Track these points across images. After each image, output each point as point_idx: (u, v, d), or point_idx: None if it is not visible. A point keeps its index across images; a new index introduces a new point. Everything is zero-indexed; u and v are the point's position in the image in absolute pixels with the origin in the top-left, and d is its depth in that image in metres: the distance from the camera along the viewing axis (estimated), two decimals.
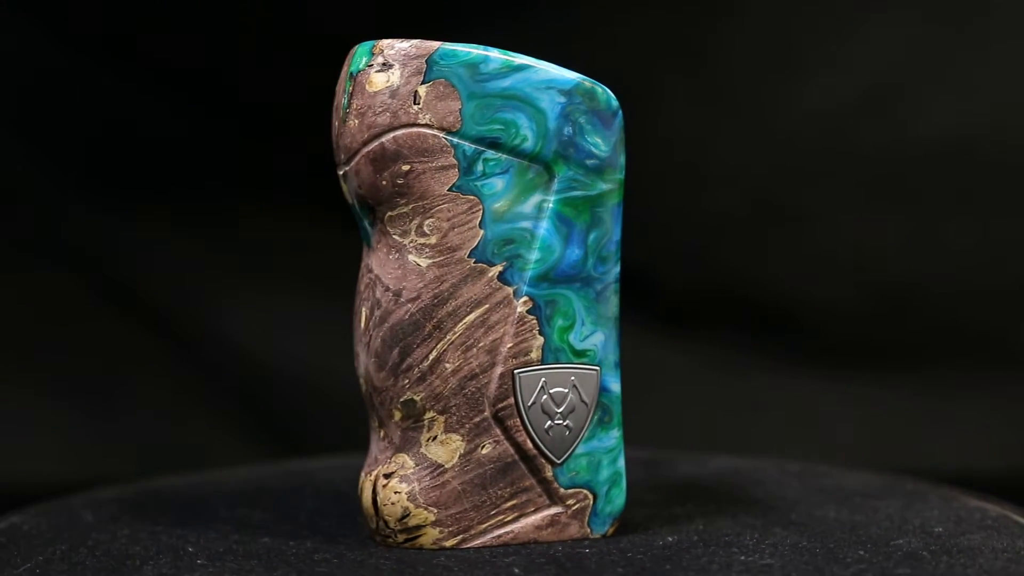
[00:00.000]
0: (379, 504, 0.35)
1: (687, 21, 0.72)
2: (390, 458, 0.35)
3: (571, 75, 0.35)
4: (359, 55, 0.34)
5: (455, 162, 0.34)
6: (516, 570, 0.33)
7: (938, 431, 0.71)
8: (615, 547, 0.36)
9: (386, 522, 0.35)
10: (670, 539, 0.36)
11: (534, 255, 0.35)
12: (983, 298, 0.71)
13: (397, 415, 0.35)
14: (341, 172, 0.35)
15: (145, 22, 0.71)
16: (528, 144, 0.35)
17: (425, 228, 0.34)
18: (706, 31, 0.72)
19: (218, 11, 0.71)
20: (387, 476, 0.35)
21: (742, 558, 0.34)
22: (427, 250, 0.34)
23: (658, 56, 0.72)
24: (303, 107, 0.73)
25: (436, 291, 0.34)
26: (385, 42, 0.34)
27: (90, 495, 0.45)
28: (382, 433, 0.36)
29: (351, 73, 0.34)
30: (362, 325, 0.35)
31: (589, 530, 0.37)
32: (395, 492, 0.35)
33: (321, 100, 0.72)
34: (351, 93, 0.34)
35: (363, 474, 0.36)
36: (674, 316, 0.73)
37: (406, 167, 0.34)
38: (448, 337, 0.34)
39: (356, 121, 0.34)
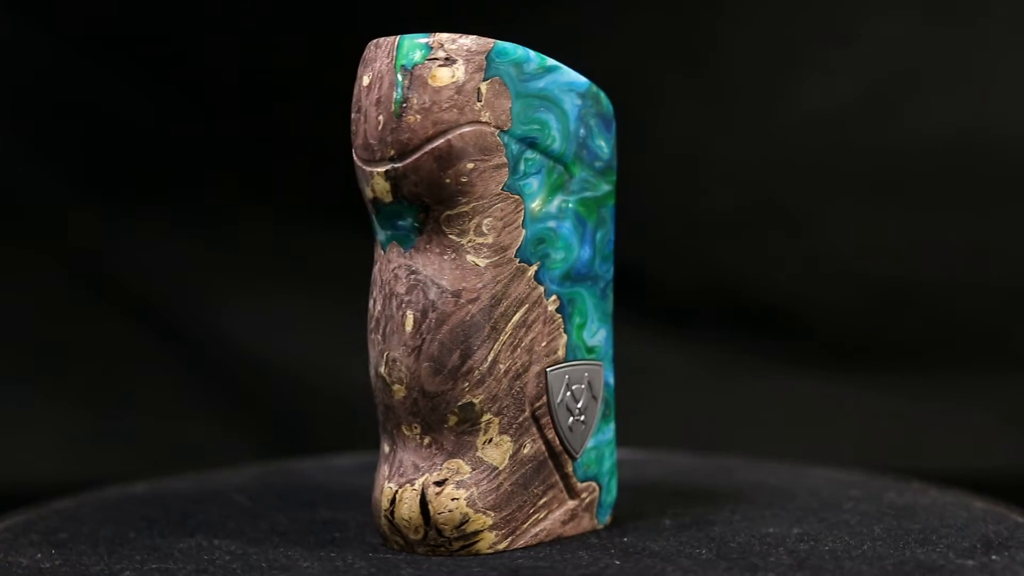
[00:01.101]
0: (432, 513, 0.34)
1: (686, 21, 0.72)
2: (441, 464, 0.35)
3: (583, 78, 0.35)
4: (409, 48, 0.33)
5: (506, 161, 0.34)
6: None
7: (938, 431, 0.71)
8: (614, 547, 0.36)
9: (440, 531, 0.35)
10: (670, 539, 0.37)
11: (560, 254, 0.35)
12: (983, 298, 0.71)
13: (452, 420, 0.34)
14: (385, 169, 0.34)
15: (145, 22, 0.71)
16: (556, 145, 0.35)
17: (483, 227, 0.34)
18: (705, 31, 0.72)
19: (218, 11, 0.71)
20: (439, 483, 0.34)
21: (741, 558, 0.34)
22: (484, 250, 0.34)
23: (658, 56, 0.72)
24: (303, 107, 0.73)
25: (493, 292, 0.34)
26: (443, 36, 0.34)
27: (90, 495, 0.45)
28: (427, 440, 0.35)
29: (403, 66, 0.33)
30: (409, 329, 0.34)
31: (596, 521, 0.37)
32: (452, 499, 0.34)
33: (321, 100, 0.72)
34: (407, 87, 0.33)
35: (390, 484, 0.35)
36: (673, 316, 0.73)
37: (470, 165, 0.33)
38: (501, 337, 0.34)
39: (418, 116, 0.33)
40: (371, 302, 0.36)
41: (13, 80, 0.71)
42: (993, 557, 0.34)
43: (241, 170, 0.73)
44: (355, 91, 0.34)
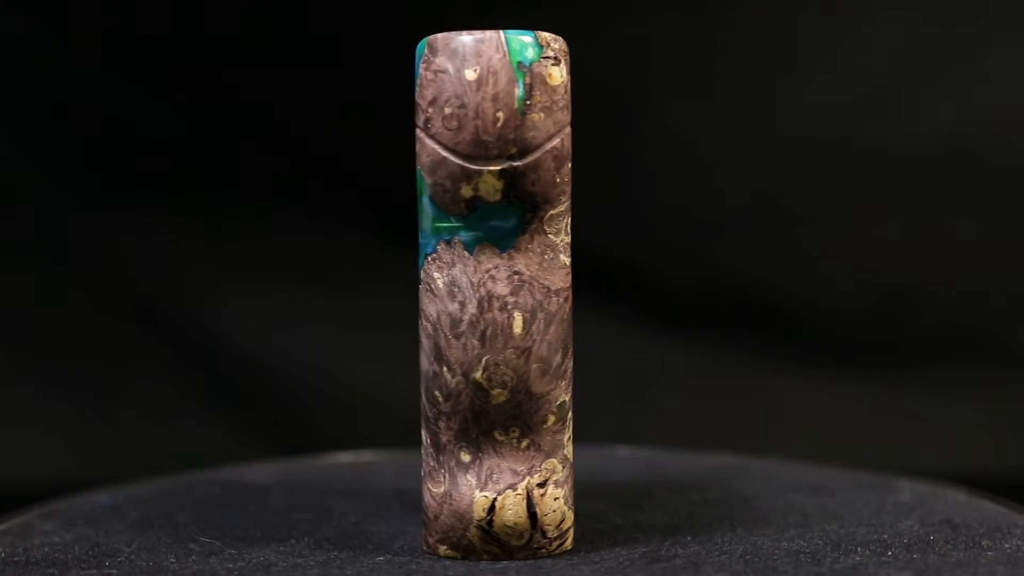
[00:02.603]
0: (539, 515, 0.35)
1: (687, 21, 0.72)
2: (540, 465, 0.35)
3: None
4: (521, 45, 0.33)
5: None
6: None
7: (938, 431, 0.71)
8: (615, 547, 0.36)
9: (544, 532, 0.35)
10: (670, 539, 0.37)
11: None
12: (983, 298, 0.71)
13: (551, 419, 0.35)
14: (501, 167, 0.33)
15: (145, 22, 0.71)
16: None
17: (568, 227, 0.35)
18: (706, 31, 0.72)
19: (218, 11, 0.71)
20: (541, 485, 0.35)
21: (741, 558, 0.34)
22: (567, 249, 0.35)
23: (658, 56, 0.72)
24: (303, 107, 0.73)
25: (571, 289, 0.35)
26: (545, 34, 0.34)
27: (90, 495, 0.45)
28: (524, 443, 0.34)
29: (519, 63, 0.33)
30: (518, 331, 0.34)
31: None
32: (555, 499, 0.35)
33: (321, 100, 0.72)
34: (529, 84, 0.33)
35: (484, 493, 0.34)
36: (674, 316, 0.73)
37: (569, 165, 0.34)
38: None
39: (542, 115, 0.33)
40: (454, 306, 0.34)
41: (13, 80, 0.71)
42: (992, 556, 0.34)
43: (241, 170, 0.73)
44: (445, 86, 0.33)
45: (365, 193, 0.72)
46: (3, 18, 0.70)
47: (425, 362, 0.34)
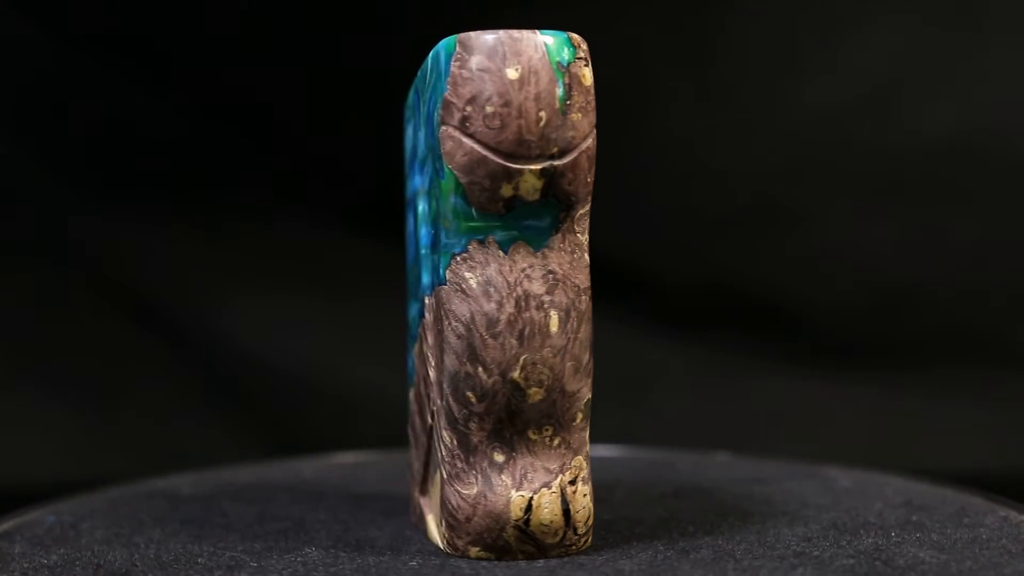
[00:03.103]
0: (572, 512, 0.35)
1: (687, 21, 0.72)
2: (570, 463, 0.35)
3: None
4: (559, 45, 0.33)
5: None
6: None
7: (938, 431, 0.71)
8: (615, 548, 0.36)
9: (575, 529, 0.35)
10: (669, 539, 0.37)
11: None
12: (983, 298, 0.71)
13: (579, 416, 0.35)
14: (543, 166, 0.33)
15: (145, 22, 0.71)
16: None
17: (587, 227, 0.35)
18: (707, 32, 0.72)
19: (218, 11, 0.71)
20: (572, 482, 0.35)
21: (742, 558, 0.34)
22: (587, 247, 0.35)
23: (659, 56, 0.72)
24: (303, 107, 0.73)
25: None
26: (575, 35, 0.34)
27: (90, 495, 0.45)
28: (556, 441, 0.35)
29: (559, 63, 0.33)
30: (555, 330, 0.34)
31: None
32: (583, 495, 0.35)
33: (321, 100, 0.73)
34: (568, 85, 0.33)
35: (521, 492, 0.34)
36: (674, 316, 0.73)
37: (594, 165, 0.35)
38: None
39: (581, 115, 0.33)
40: (490, 306, 0.34)
41: (14, 80, 0.71)
42: (993, 556, 0.34)
43: (241, 170, 0.73)
44: (486, 85, 0.33)
45: (365, 193, 0.72)
46: (3, 18, 0.70)
47: (454, 363, 0.34)
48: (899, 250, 0.72)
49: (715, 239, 0.73)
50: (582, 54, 0.34)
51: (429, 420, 0.36)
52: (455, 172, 0.33)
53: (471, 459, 0.34)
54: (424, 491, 0.38)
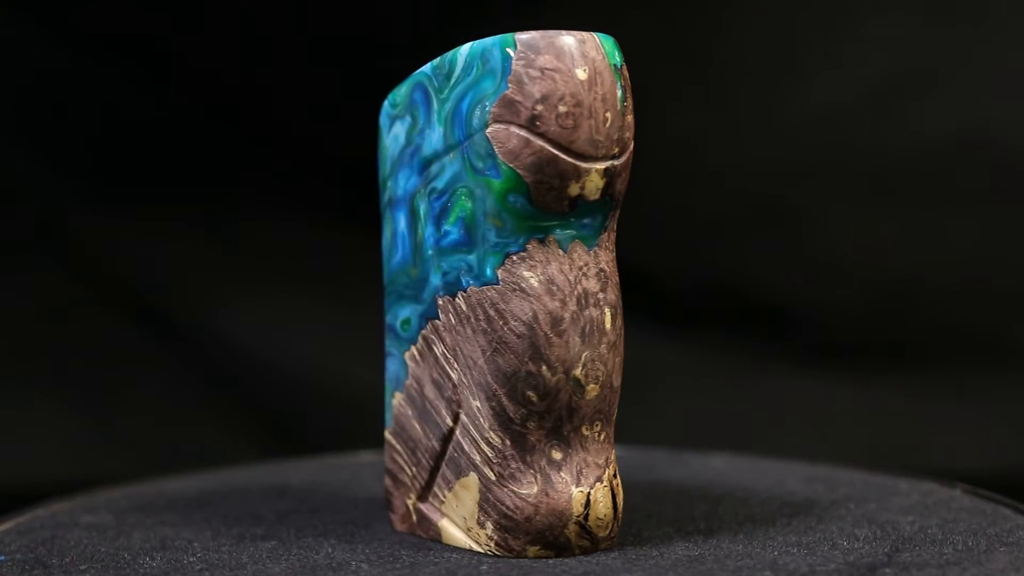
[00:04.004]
0: (618, 505, 0.35)
1: (687, 21, 0.72)
2: (611, 457, 0.35)
3: None
4: (611, 48, 0.34)
5: None
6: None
7: (938, 431, 0.71)
8: (617, 548, 0.36)
9: (618, 520, 0.36)
10: (669, 539, 0.37)
11: None
12: (983, 298, 0.71)
13: (615, 411, 0.36)
14: (606, 166, 0.34)
15: (145, 22, 0.71)
16: None
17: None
18: (707, 31, 0.72)
19: (218, 11, 0.71)
20: (614, 476, 0.35)
21: (743, 558, 0.34)
22: None
23: (658, 56, 0.72)
24: (303, 107, 0.73)
25: None
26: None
27: (90, 495, 0.45)
28: (602, 436, 0.35)
29: (615, 65, 0.34)
30: (608, 326, 0.34)
31: None
32: (621, 488, 0.36)
33: (320, 100, 0.72)
34: (624, 87, 0.34)
35: (580, 488, 0.35)
36: (674, 316, 0.73)
37: None
38: None
39: (630, 116, 0.34)
40: (554, 304, 0.34)
41: (13, 80, 0.71)
42: (993, 556, 0.34)
43: (241, 170, 0.73)
44: (557, 84, 0.33)
45: (365, 193, 0.72)
46: (3, 18, 0.70)
47: (512, 363, 0.34)
48: (899, 250, 0.72)
49: (715, 239, 0.73)
50: (623, 58, 0.34)
51: (449, 423, 0.35)
52: (519, 171, 0.33)
53: (528, 458, 0.34)
54: (424, 498, 0.37)
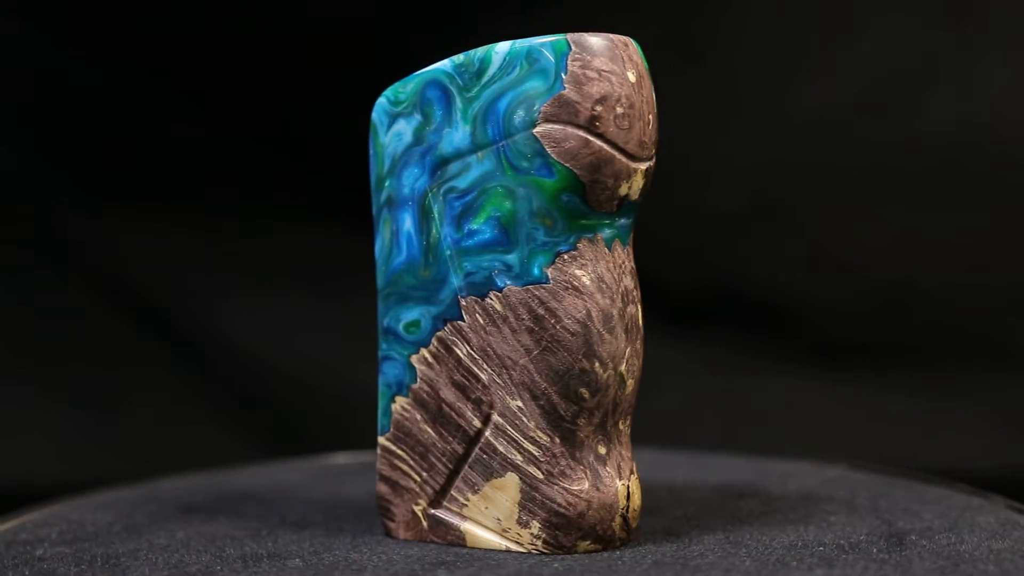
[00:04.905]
0: (641, 496, 0.36)
1: (687, 20, 0.72)
2: (632, 452, 0.36)
3: None
4: (641, 53, 0.35)
5: None
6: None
7: (938, 431, 0.71)
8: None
9: (640, 511, 0.36)
10: (670, 539, 0.37)
11: None
12: (983, 298, 0.71)
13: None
14: (646, 167, 0.35)
15: (145, 22, 0.71)
16: None
17: None
18: (706, 31, 0.72)
19: (218, 11, 0.71)
20: (636, 469, 0.36)
21: (744, 559, 0.34)
22: None
23: (658, 55, 0.72)
24: (303, 107, 0.73)
25: None
26: None
27: (90, 495, 0.45)
28: (629, 431, 0.36)
29: (648, 69, 0.35)
30: (640, 324, 0.36)
31: None
32: (639, 480, 0.37)
33: (321, 100, 0.72)
34: (654, 90, 0.35)
35: (622, 482, 0.35)
36: (674, 315, 0.73)
37: None
38: None
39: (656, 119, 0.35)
40: (605, 301, 0.34)
41: (13, 80, 0.71)
42: (993, 556, 0.34)
43: (241, 170, 0.73)
44: (614, 86, 0.33)
45: (365, 193, 0.72)
46: (3, 19, 0.70)
47: (565, 361, 0.34)
48: (899, 250, 0.72)
49: (715, 239, 0.73)
50: None
51: (476, 425, 0.35)
52: (576, 171, 0.33)
53: (577, 455, 0.35)
54: (438, 503, 0.36)
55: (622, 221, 0.35)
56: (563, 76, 0.33)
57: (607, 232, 0.34)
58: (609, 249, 0.34)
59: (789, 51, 0.72)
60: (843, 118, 0.72)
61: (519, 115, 0.33)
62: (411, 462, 0.37)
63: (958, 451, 0.70)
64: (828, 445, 0.70)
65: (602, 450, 0.35)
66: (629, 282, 0.35)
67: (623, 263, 0.35)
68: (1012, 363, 0.72)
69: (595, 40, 0.33)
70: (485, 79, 0.34)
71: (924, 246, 0.72)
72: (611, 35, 0.34)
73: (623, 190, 0.34)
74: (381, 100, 0.37)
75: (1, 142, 0.71)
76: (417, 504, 0.37)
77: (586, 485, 0.34)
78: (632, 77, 0.34)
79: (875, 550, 0.35)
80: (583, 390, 0.34)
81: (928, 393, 0.72)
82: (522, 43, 0.34)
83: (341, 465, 0.51)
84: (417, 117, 0.36)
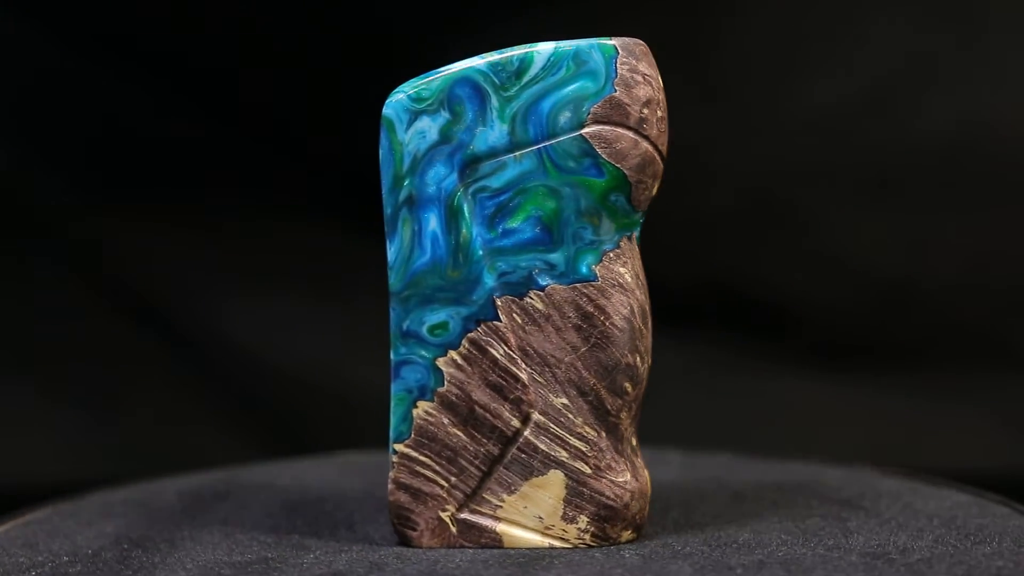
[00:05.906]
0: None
1: (686, 20, 0.72)
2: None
3: None
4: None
5: None
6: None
7: (938, 431, 0.71)
8: (616, 547, 0.36)
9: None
10: (670, 539, 0.37)
11: None
12: (983, 298, 0.71)
13: None
14: (663, 167, 0.36)
15: (145, 22, 0.71)
16: None
17: None
18: (706, 31, 0.72)
19: (218, 10, 0.71)
20: None
21: (742, 559, 0.34)
22: None
23: (657, 55, 0.72)
24: (303, 107, 0.73)
25: None
26: None
27: (90, 495, 0.45)
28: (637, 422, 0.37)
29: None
30: (650, 316, 0.37)
31: None
32: None
33: (321, 100, 0.72)
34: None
35: (647, 470, 0.37)
36: (673, 315, 0.73)
37: None
38: None
39: None
40: (643, 297, 0.36)
41: (13, 80, 0.71)
42: (993, 556, 0.34)
43: (241, 170, 0.73)
44: (655, 91, 0.35)
45: (366, 193, 0.72)
46: (3, 19, 0.70)
47: (613, 356, 0.35)
48: (900, 250, 0.72)
49: (715, 239, 0.73)
50: None
51: (515, 425, 0.35)
52: (625, 171, 0.35)
53: (619, 447, 0.36)
54: (467, 506, 0.36)
55: (642, 219, 0.36)
56: (614, 79, 0.34)
57: (638, 230, 0.36)
58: (637, 246, 0.36)
59: (789, 51, 0.72)
60: (843, 118, 0.71)
61: (566, 116, 0.34)
62: (437, 467, 0.36)
63: (958, 451, 0.70)
64: (828, 445, 0.70)
65: (634, 441, 0.36)
66: (644, 277, 0.36)
67: (640, 259, 0.36)
68: (1012, 363, 0.72)
69: (634, 44, 0.35)
70: (526, 79, 0.35)
71: (924, 246, 0.72)
72: (637, 39, 0.35)
73: (655, 190, 0.36)
74: (399, 96, 0.36)
75: (1, 142, 0.71)
76: (444, 510, 0.36)
77: (628, 476, 0.36)
78: (661, 81, 0.35)
79: (875, 550, 0.35)
80: (627, 384, 0.35)
81: (928, 393, 0.72)
82: (567, 44, 0.34)
83: (341, 465, 0.51)
84: (444, 114, 0.35)
